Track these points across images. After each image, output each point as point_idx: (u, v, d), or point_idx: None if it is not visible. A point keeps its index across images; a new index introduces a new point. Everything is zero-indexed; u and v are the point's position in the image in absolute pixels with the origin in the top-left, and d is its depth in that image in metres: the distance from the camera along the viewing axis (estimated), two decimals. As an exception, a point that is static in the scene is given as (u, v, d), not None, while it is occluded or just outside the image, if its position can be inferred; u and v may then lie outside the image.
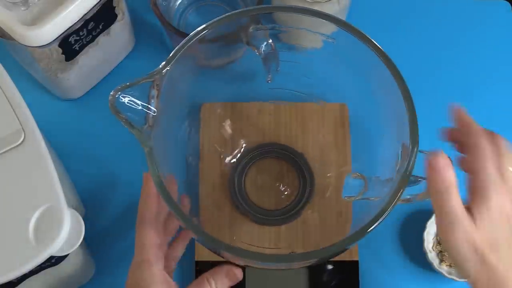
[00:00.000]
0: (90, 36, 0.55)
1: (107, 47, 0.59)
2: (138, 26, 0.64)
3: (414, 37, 0.67)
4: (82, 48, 0.56)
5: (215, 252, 0.45)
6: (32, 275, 0.44)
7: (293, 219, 0.56)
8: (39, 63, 0.55)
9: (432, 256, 0.57)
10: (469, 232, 0.38)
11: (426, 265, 0.57)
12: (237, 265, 0.48)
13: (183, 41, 0.46)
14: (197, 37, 0.46)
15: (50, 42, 0.51)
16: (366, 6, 0.67)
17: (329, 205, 0.57)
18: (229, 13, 0.47)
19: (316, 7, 0.56)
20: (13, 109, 0.43)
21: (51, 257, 0.42)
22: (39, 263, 0.40)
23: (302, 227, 0.56)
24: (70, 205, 0.42)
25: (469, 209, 0.39)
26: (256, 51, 0.50)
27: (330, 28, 0.48)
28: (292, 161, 0.58)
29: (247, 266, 0.52)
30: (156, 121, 0.44)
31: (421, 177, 0.43)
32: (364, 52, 0.46)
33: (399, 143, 0.45)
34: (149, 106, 0.43)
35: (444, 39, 0.67)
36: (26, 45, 0.50)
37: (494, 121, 0.63)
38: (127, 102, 0.43)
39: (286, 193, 0.58)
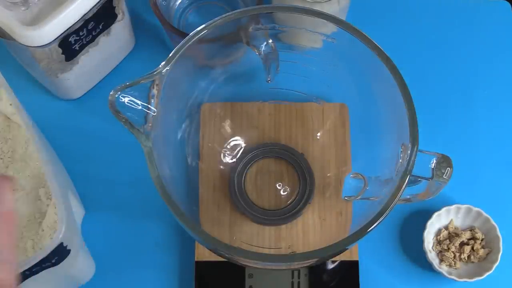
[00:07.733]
0: (90, 36, 0.55)
1: (107, 47, 0.59)
2: (138, 26, 0.64)
3: (413, 37, 0.67)
4: (82, 48, 0.56)
5: (215, 252, 0.45)
6: (32, 275, 0.44)
7: (293, 219, 0.56)
8: (39, 63, 0.55)
9: (432, 256, 0.57)
10: None
11: (426, 265, 0.57)
12: (238, 265, 0.48)
13: (183, 41, 0.46)
14: (197, 37, 0.46)
15: (50, 42, 0.51)
16: (366, 6, 0.67)
17: (329, 205, 0.57)
18: (229, 13, 0.47)
19: (316, 7, 0.56)
20: None
21: (51, 257, 0.42)
22: (35, 263, 0.40)
23: (302, 227, 0.56)
24: (70, 205, 0.42)
25: None
26: (256, 51, 0.50)
27: (330, 28, 0.48)
28: (292, 161, 0.58)
29: (247, 266, 0.52)
30: (156, 121, 0.44)
31: (421, 177, 0.43)
32: (364, 52, 0.46)
33: (399, 143, 0.45)
34: (149, 106, 0.43)
35: (444, 39, 0.67)
36: (26, 45, 0.50)
37: (494, 121, 0.64)
38: (127, 102, 0.43)
39: (286, 193, 0.58)
